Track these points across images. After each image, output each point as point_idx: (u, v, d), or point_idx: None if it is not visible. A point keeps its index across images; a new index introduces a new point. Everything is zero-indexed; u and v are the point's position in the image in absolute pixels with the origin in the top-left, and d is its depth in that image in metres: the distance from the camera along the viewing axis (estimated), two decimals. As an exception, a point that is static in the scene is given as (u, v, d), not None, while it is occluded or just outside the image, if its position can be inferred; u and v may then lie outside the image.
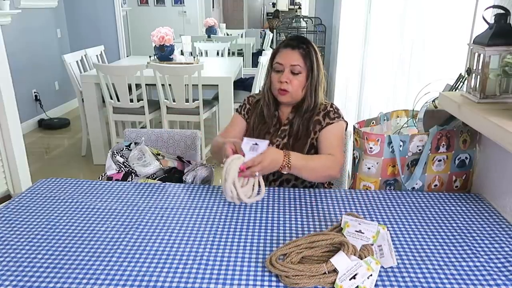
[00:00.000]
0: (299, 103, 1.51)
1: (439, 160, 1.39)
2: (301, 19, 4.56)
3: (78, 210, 1.23)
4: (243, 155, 1.22)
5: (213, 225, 1.15)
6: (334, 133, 1.48)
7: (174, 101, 3.19)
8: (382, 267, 0.96)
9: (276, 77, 1.47)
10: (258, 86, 3.44)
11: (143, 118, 3.26)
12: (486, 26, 1.15)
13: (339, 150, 1.45)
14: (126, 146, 1.66)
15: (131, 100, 3.20)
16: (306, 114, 1.50)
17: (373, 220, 1.17)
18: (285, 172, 1.30)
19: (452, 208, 1.25)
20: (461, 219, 1.19)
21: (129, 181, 1.51)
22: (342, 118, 1.51)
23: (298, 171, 1.31)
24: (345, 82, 3.58)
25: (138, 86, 3.23)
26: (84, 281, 0.91)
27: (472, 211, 1.23)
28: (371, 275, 0.90)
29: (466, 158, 1.41)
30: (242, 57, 4.90)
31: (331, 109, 1.50)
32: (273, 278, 0.92)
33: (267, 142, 1.23)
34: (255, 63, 5.01)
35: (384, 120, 1.57)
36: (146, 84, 3.28)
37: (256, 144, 1.22)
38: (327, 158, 1.40)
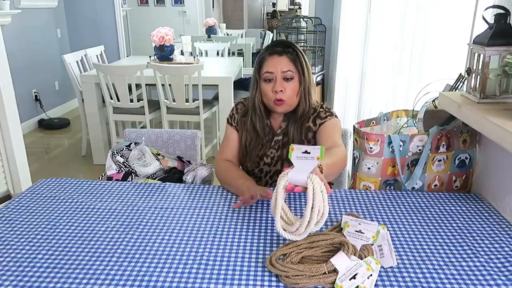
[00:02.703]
0: (292, 110, 1.45)
1: (439, 160, 1.39)
2: (301, 19, 4.56)
3: (78, 210, 1.23)
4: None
5: (213, 225, 1.15)
6: (331, 127, 1.42)
7: (174, 101, 3.19)
8: (382, 267, 0.96)
9: (269, 88, 1.40)
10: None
11: (143, 118, 3.26)
12: (486, 26, 1.15)
13: (341, 142, 1.38)
14: (126, 146, 1.66)
15: (131, 100, 3.20)
16: (301, 119, 1.44)
17: (373, 220, 1.17)
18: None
19: (452, 208, 1.25)
20: (461, 219, 1.19)
21: (129, 181, 1.51)
22: (335, 115, 1.46)
23: (329, 170, 1.11)
24: (345, 82, 3.58)
25: (138, 86, 3.23)
26: (84, 281, 0.91)
27: (472, 211, 1.23)
28: (371, 275, 0.90)
29: (466, 158, 1.41)
30: (242, 57, 4.90)
31: (321, 109, 1.46)
32: (273, 278, 0.92)
33: (319, 148, 0.96)
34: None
35: (384, 120, 1.57)
36: (146, 84, 3.28)
37: (306, 151, 0.98)
38: (338, 150, 1.28)
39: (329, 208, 1.23)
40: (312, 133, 1.45)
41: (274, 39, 5.42)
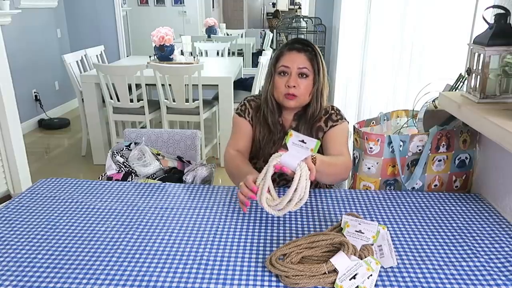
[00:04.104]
0: (303, 109, 1.46)
1: (439, 160, 1.39)
2: (301, 19, 4.56)
3: (78, 210, 1.23)
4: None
5: (213, 225, 1.15)
6: (340, 134, 1.44)
7: (174, 101, 3.19)
8: (382, 267, 0.96)
9: (282, 81, 1.40)
10: (258, 86, 3.44)
11: (143, 118, 3.26)
12: (486, 26, 1.15)
13: (348, 151, 1.40)
14: (126, 146, 1.66)
15: (131, 100, 3.20)
16: (311, 120, 1.45)
17: (373, 220, 1.17)
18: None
19: (452, 208, 1.25)
20: (461, 219, 1.19)
21: (129, 181, 1.51)
22: (344, 118, 1.48)
23: (323, 167, 1.17)
24: (345, 82, 3.58)
25: (138, 86, 3.23)
26: (84, 281, 0.91)
27: (472, 211, 1.23)
28: (371, 275, 0.90)
29: (466, 158, 1.41)
30: (242, 57, 4.90)
31: (333, 111, 1.47)
32: (273, 278, 0.92)
33: (315, 141, 1.04)
34: (255, 63, 5.01)
35: (384, 120, 1.57)
36: (146, 84, 3.28)
37: (303, 141, 1.05)
38: (341, 158, 1.34)
39: (330, 207, 1.24)
40: (322, 133, 1.46)
41: (274, 39, 5.42)
